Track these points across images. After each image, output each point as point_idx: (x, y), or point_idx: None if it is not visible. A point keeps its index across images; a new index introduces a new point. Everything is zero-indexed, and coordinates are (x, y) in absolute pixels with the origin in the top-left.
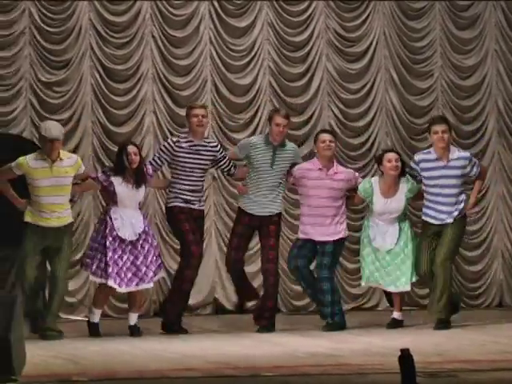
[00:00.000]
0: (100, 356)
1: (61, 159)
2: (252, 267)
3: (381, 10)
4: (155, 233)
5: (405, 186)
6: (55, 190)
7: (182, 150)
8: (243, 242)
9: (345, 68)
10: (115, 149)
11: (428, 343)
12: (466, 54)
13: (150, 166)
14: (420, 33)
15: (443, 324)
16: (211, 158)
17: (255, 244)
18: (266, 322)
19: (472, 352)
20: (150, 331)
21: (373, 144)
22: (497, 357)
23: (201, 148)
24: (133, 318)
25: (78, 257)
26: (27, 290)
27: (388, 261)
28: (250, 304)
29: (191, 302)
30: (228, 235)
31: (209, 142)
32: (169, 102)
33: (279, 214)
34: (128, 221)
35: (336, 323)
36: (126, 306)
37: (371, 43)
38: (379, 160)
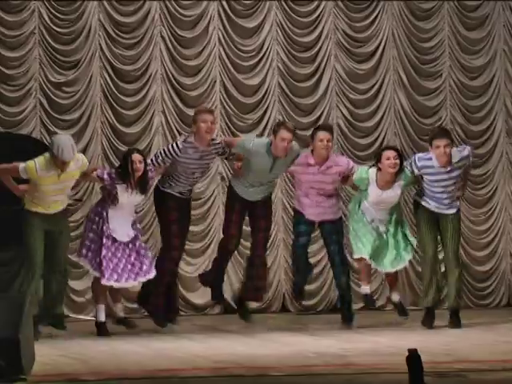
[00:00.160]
0: (109, 356)
1: (68, 165)
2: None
3: (389, 10)
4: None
5: (401, 178)
6: (60, 190)
7: (186, 155)
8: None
9: (353, 68)
10: (124, 149)
11: (436, 343)
12: (475, 55)
13: (151, 167)
14: (428, 33)
15: (456, 313)
16: (214, 156)
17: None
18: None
19: (481, 352)
20: (158, 331)
21: (381, 144)
22: (506, 357)
23: (206, 153)
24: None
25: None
26: (40, 277)
27: (386, 240)
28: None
29: (200, 301)
30: None
31: (213, 143)
32: (178, 102)
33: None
34: (123, 224)
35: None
36: (135, 306)
37: (380, 44)
38: (378, 157)
